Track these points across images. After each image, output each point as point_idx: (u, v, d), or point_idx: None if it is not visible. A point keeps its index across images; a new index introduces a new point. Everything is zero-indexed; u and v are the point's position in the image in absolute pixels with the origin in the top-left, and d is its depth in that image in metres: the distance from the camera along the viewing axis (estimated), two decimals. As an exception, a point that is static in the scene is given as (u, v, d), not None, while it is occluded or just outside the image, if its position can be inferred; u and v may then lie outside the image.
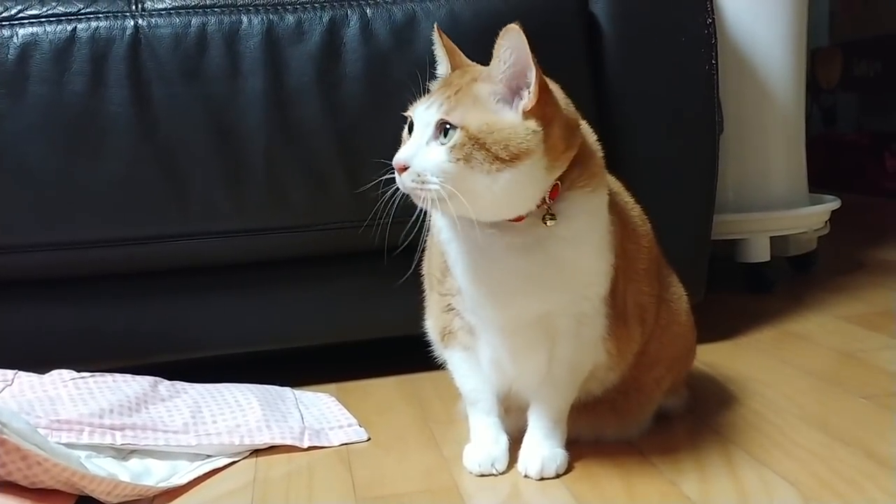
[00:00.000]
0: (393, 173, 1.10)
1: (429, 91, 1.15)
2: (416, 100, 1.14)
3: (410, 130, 1.11)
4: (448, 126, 1.06)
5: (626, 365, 1.26)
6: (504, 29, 1.04)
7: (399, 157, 1.07)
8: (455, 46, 1.17)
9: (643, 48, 1.65)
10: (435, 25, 1.19)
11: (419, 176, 1.06)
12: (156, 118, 1.51)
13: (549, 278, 1.14)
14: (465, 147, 1.04)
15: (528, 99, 1.05)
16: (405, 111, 1.14)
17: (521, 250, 1.12)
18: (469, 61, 1.17)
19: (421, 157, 1.06)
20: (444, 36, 1.17)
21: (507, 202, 1.08)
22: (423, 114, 1.08)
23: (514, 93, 1.06)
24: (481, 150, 1.04)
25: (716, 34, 1.66)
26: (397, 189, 1.09)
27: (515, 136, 1.05)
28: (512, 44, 1.04)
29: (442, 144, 1.05)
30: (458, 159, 1.04)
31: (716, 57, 1.66)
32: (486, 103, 1.07)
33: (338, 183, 1.56)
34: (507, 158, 1.04)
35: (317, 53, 1.54)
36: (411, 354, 1.47)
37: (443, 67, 1.18)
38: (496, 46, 1.05)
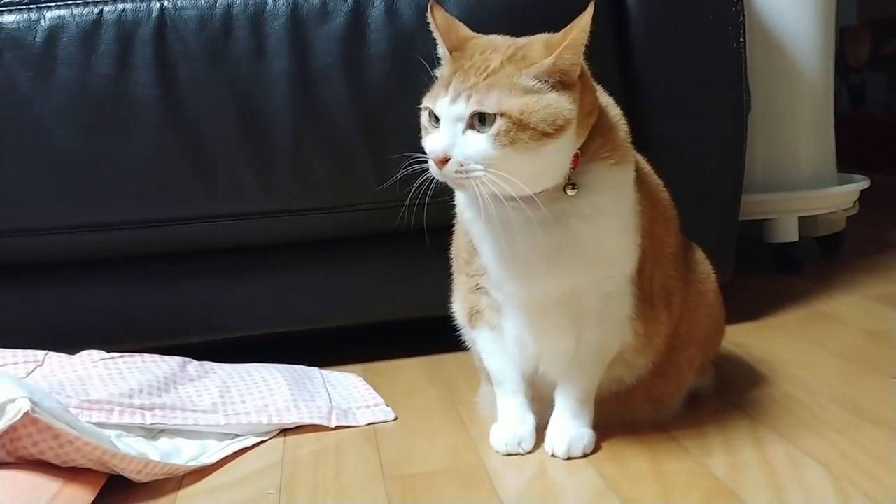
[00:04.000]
0: (422, 162, 1.10)
1: (436, 77, 1.14)
2: (425, 91, 1.13)
3: (431, 118, 1.10)
4: (485, 114, 1.05)
5: (655, 349, 1.25)
6: (582, 22, 1.04)
7: (436, 150, 1.06)
8: (452, 21, 1.14)
9: (670, 25, 1.64)
10: (430, 3, 1.14)
11: (462, 166, 1.05)
12: (182, 100, 1.51)
13: (570, 256, 1.14)
14: (509, 133, 1.03)
15: (576, 74, 1.06)
16: (420, 104, 1.12)
17: (541, 226, 1.11)
18: (468, 34, 1.14)
19: (462, 147, 1.05)
20: (440, 12, 1.13)
21: (547, 172, 1.09)
22: (451, 109, 1.06)
23: (561, 72, 1.06)
24: (525, 130, 1.04)
25: (744, 11, 1.64)
26: (428, 178, 1.10)
27: (561, 109, 1.05)
28: (587, 29, 1.04)
29: (481, 132, 1.05)
30: (504, 145, 1.04)
31: (744, 35, 1.64)
32: (527, 86, 1.05)
33: (363, 164, 1.56)
34: (553, 132, 1.04)
35: (342, 34, 1.53)
36: (437, 336, 1.47)
37: (442, 48, 1.14)
38: (577, 32, 1.04)
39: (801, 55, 2.15)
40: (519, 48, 1.09)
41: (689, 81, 1.65)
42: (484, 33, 1.16)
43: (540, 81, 1.06)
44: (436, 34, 1.13)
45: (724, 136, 1.69)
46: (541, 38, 1.10)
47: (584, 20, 1.04)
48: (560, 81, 1.06)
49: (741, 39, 1.64)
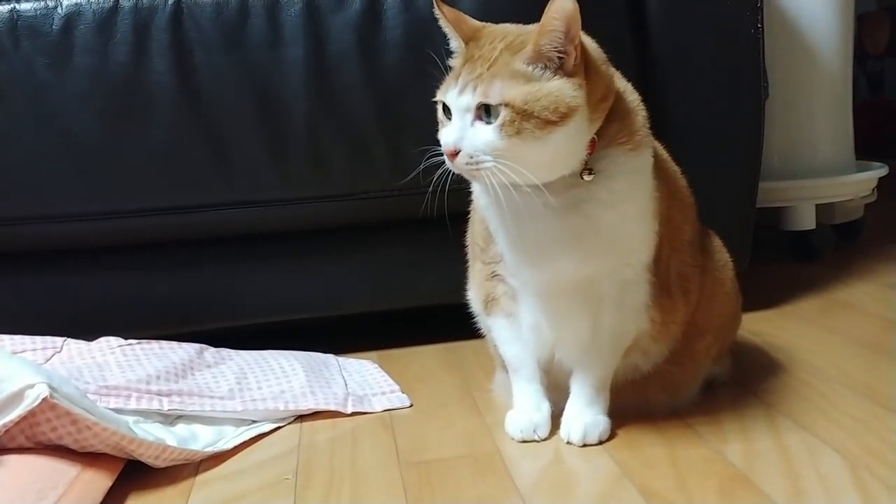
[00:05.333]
0: (439, 154, 1.10)
1: (449, 69, 1.14)
2: (440, 81, 1.13)
3: (445, 111, 1.10)
4: (490, 105, 1.05)
5: (671, 337, 1.25)
6: (551, 8, 1.02)
7: (448, 143, 1.07)
8: (460, 14, 1.14)
9: (687, 10, 1.62)
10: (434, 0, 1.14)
11: (472, 158, 1.06)
12: (198, 87, 1.52)
13: (587, 242, 1.13)
14: (514, 123, 1.03)
15: (571, 61, 1.05)
16: (433, 97, 1.12)
17: (558, 211, 1.11)
18: (478, 24, 1.14)
19: (470, 140, 1.06)
20: (446, 7, 1.13)
21: (558, 160, 1.08)
22: (459, 100, 1.07)
23: (557, 56, 1.05)
24: (530, 119, 1.03)
25: (762, -3, 1.63)
26: (446, 169, 1.10)
27: (564, 96, 1.04)
28: (565, 14, 1.02)
29: (488, 124, 1.05)
30: (510, 135, 1.04)
31: (762, 20, 1.63)
32: (527, 74, 1.05)
33: (379, 151, 1.56)
34: (557, 120, 1.04)
35: (357, 21, 1.53)
36: (452, 323, 1.47)
37: (455, 41, 1.14)
38: (546, 17, 1.03)
39: (819, 41, 2.13)
40: (519, 35, 1.08)
41: (706, 67, 1.64)
42: (497, 17, 1.16)
43: (537, 68, 1.05)
44: (447, 28, 1.13)
45: (741, 122, 1.68)
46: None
47: (554, 5, 1.02)
48: (561, 67, 1.05)
49: (759, 25, 1.63)
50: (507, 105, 1.04)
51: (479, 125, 1.06)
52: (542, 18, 1.04)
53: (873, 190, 2.29)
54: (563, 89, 1.05)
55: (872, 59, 3.91)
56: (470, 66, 1.08)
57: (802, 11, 2.10)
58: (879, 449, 1.12)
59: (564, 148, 1.07)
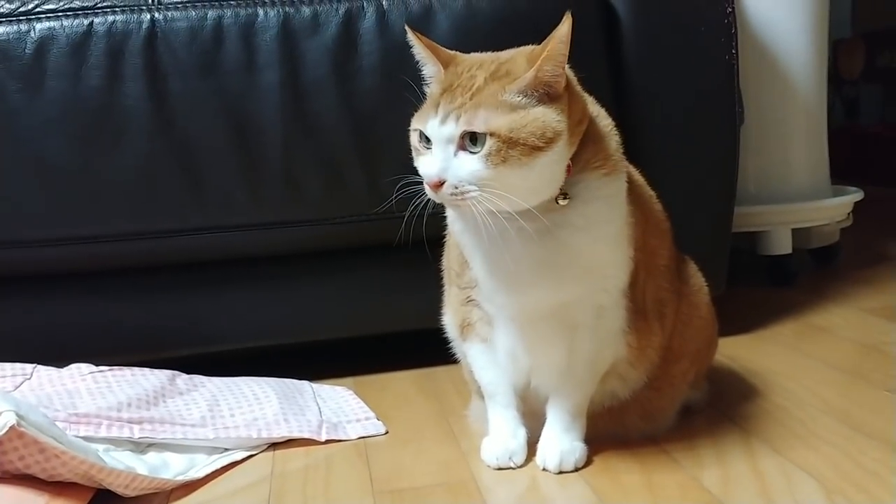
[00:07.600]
0: (416, 183, 1.10)
1: (424, 95, 1.13)
2: (415, 107, 1.12)
3: (422, 139, 1.09)
4: (475, 134, 1.04)
5: (648, 362, 1.25)
6: (560, 33, 1.03)
7: (431, 174, 1.06)
8: (432, 42, 1.13)
9: (662, 37, 1.63)
10: (405, 25, 1.14)
11: (457, 188, 1.05)
12: (172, 112, 1.51)
13: (563, 268, 1.13)
14: (500, 151, 1.03)
15: (562, 84, 1.06)
16: (409, 125, 1.12)
17: (532, 236, 1.10)
18: (451, 52, 1.13)
19: (455, 170, 1.05)
20: (420, 35, 1.13)
21: (543, 184, 1.08)
22: (440, 130, 1.06)
23: (554, 81, 1.05)
24: (516, 147, 1.03)
25: (736, 23, 1.64)
26: (425, 197, 1.09)
27: (549, 121, 1.05)
28: (567, 38, 1.03)
29: (473, 153, 1.04)
30: (496, 164, 1.03)
31: (736, 46, 1.64)
32: (512, 102, 1.05)
33: (354, 176, 1.55)
34: (543, 145, 1.04)
35: (333, 46, 1.53)
36: (428, 348, 1.46)
37: (430, 68, 1.13)
38: (554, 42, 1.03)
39: (794, 67, 2.15)
40: (502, 64, 1.08)
41: (681, 93, 1.65)
42: (474, 45, 1.17)
43: (524, 96, 1.05)
44: (424, 53, 1.12)
45: (716, 147, 1.68)
46: (523, 52, 1.09)
47: (562, 30, 1.03)
48: (546, 94, 1.05)
49: (733, 51, 1.64)
50: (492, 134, 1.03)
51: (463, 155, 1.05)
52: (550, 44, 1.04)
53: (849, 214, 2.31)
54: (547, 115, 1.05)
55: (848, 84, 3.96)
56: (449, 96, 1.07)
57: (777, 38, 2.12)
58: (855, 474, 1.12)
59: (549, 172, 1.07)
